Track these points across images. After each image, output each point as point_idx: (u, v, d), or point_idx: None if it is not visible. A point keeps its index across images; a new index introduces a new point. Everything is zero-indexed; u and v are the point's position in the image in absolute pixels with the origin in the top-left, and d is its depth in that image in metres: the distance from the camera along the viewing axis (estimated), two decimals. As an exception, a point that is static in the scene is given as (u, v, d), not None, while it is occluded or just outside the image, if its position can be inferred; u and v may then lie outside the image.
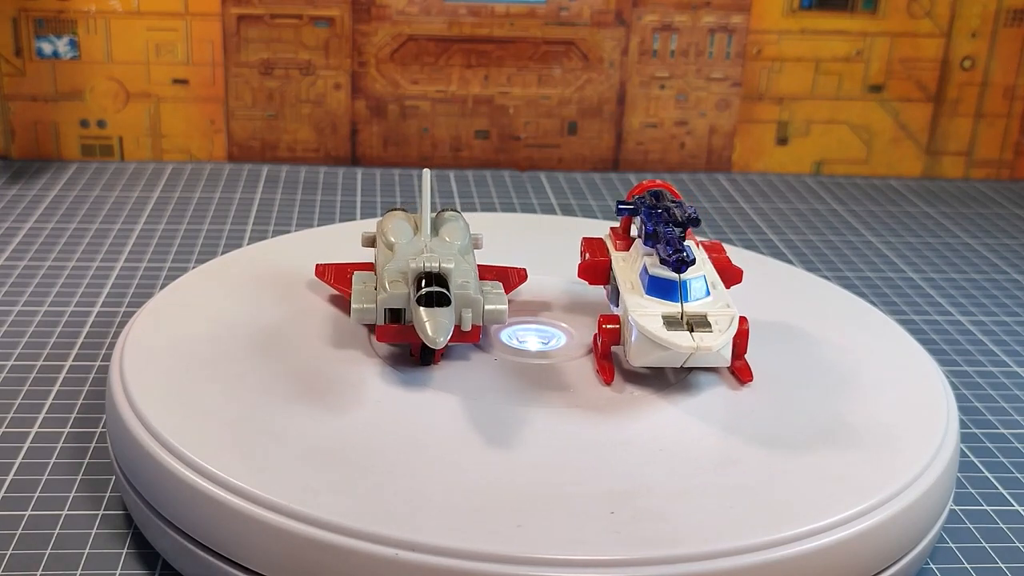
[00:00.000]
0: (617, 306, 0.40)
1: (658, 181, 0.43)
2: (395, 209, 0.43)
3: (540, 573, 0.29)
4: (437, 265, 0.37)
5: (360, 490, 0.31)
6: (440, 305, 0.35)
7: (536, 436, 0.35)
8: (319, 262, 0.44)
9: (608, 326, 0.39)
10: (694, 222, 0.39)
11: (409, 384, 0.37)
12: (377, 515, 0.30)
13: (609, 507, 0.31)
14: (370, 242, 0.43)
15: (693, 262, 0.37)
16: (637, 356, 0.37)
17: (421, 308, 0.35)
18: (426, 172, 0.42)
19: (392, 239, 0.40)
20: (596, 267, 0.42)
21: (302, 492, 0.31)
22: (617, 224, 0.44)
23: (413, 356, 0.39)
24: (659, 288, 0.38)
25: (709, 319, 0.37)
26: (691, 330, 0.36)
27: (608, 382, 0.38)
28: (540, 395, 0.37)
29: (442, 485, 0.32)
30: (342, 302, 0.43)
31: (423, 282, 0.36)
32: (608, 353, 0.39)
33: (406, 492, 0.32)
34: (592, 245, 0.43)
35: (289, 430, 0.34)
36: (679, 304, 0.37)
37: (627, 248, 0.42)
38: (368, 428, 0.35)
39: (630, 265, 0.40)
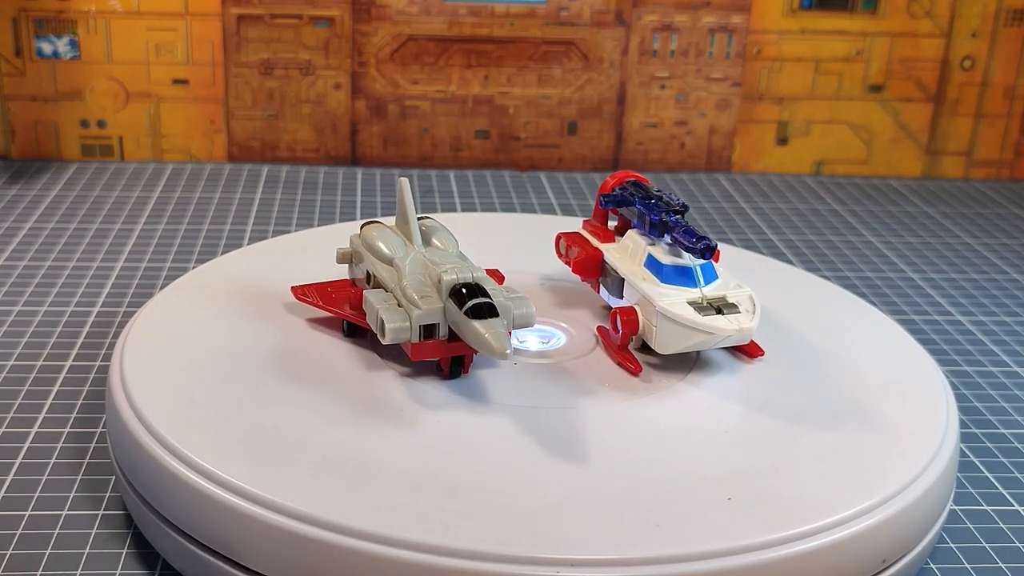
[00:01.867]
0: (620, 298, 0.41)
1: (629, 172, 0.43)
2: (371, 222, 0.41)
3: (701, 567, 0.30)
4: (470, 275, 0.36)
5: (369, 492, 0.31)
6: (491, 316, 0.35)
7: (607, 435, 0.35)
8: (295, 283, 0.42)
9: (628, 318, 0.39)
10: (686, 209, 0.40)
11: (433, 388, 0.37)
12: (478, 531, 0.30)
13: (725, 493, 0.32)
14: (347, 258, 0.41)
15: (716, 247, 0.38)
16: (668, 344, 0.38)
17: (475, 321, 0.34)
18: (404, 181, 0.40)
19: (389, 252, 0.39)
20: (590, 261, 0.42)
21: (303, 492, 0.31)
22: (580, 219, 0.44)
23: (442, 370, 0.38)
24: (676, 276, 0.39)
25: (730, 300, 0.38)
26: (719, 312, 0.38)
27: (638, 372, 0.39)
28: (581, 394, 0.37)
29: (541, 495, 0.32)
30: (333, 321, 0.41)
31: (464, 294, 0.35)
32: (627, 344, 0.40)
33: (480, 504, 0.31)
34: (575, 240, 0.43)
35: (290, 430, 0.34)
36: (698, 289, 0.39)
37: (611, 240, 0.42)
38: (396, 434, 0.34)
39: (628, 256, 0.41)
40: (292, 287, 0.42)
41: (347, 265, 0.42)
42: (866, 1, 0.76)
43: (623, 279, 0.40)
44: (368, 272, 0.40)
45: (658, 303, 0.38)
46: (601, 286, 0.42)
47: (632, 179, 0.43)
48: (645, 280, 0.39)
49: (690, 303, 0.38)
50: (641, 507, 0.31)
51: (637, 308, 0.39)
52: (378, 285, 0.39)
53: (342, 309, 0.40)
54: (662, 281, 0.39)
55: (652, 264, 0.39)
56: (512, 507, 0.31)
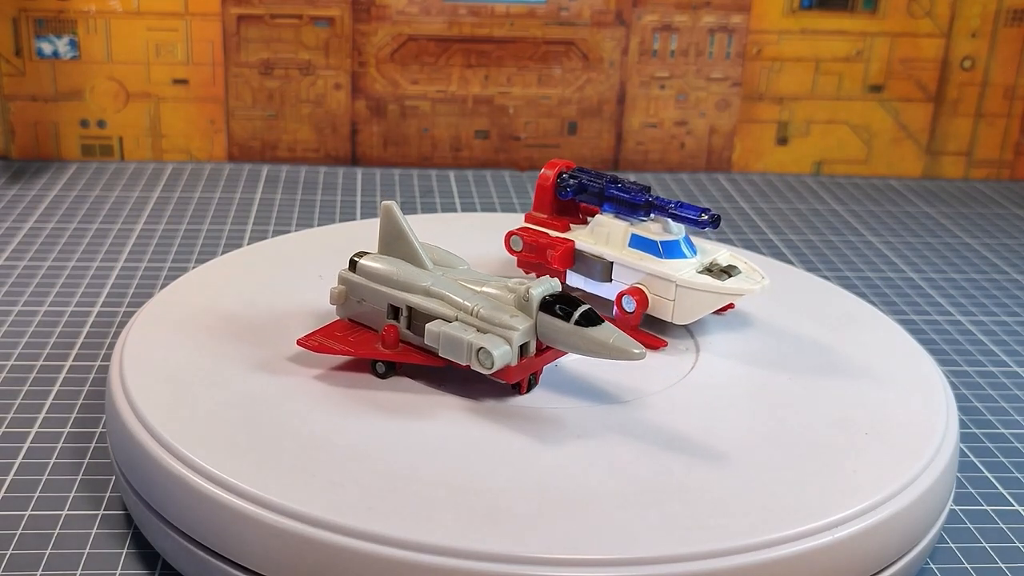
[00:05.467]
0: (606, 282, 0.41)
1: (558, 160, 0.44)
2: (362, 253, 0.39)
3: (876, 518, 0.32)
4: (549, 286, 0.35)
5: (370, 492, 0.31)
6: (600, 322, 0.34)
7: (716, 411, 0.36)
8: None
9: (639, 297, 0.40)
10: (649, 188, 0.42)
11: (440, 390, 0.37)
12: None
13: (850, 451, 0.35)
14: (343, 297, 0.38)
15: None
16: (689, 314, 0.40)
17: (591, 329, 0.34)
18: (392, 205, 0.38)
19: (419, 281, 0.37)
20: (568, 252, 0.42)
21: (302, 492, 0.31)
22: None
23: (520, 388, 0.37)
24: (671, 250, 0.40)
25: (723, 263, 0.40)
26: (728, 276, 0.40)
27: (663, 345, 0.40)
28: (633, 384, 0.38)
29: (708, 486, 0.32)
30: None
31: (561, 305, 0.34)
32: (639, 322, 0.40)
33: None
34: (534, 234, 0.43)
35: (290, 430, 0.34)
36: (694, 259, 0.40)
37: (566, 228, 0.43)
38: (418, 436, 0.35)
39: (605, 240, 0.41)
40: (298, 340, 0.38)
41: (337, 305, 0.39)
42: (866, 1, 0.76)
43: (611, 263, 0.41)
44: (393, 307, 0.37)
45: (676, 277, 0.39)
46: (573, 274, 0.43)
47: (567, 167, 0.44)
48: (643, 259, 0.40)
49: (700, 272, 0.39)
50: (830, 465, 0.34)
51: (642, 286, 0.40)
52: (421, 317, 0.37)
53: (374, 350, 0.37)
54: (661, 257, 0.40)
55: (642, 243, 0.40)
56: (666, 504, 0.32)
